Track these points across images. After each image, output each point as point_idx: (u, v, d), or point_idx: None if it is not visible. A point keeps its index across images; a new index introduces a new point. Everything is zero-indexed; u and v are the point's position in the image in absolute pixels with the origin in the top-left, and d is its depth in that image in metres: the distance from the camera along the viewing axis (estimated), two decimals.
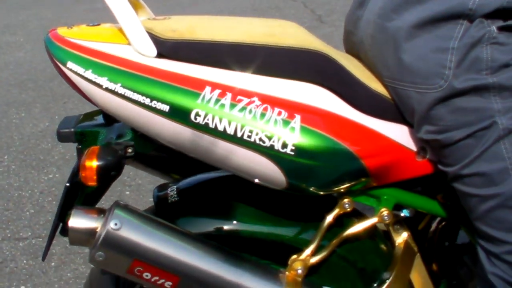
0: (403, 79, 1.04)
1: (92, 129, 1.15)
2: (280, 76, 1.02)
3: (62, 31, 1.07)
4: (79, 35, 1.05)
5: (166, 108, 0.99)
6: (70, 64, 1.02)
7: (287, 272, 1.14)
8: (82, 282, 2.16)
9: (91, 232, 1.03)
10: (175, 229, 1.08)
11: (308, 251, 1.14)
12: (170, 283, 1.04)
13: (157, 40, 1.02)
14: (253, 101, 1.00)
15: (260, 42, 1.03)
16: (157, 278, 1.04)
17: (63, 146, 3.14)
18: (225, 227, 1.16)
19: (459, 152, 1.04)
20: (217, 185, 1.22)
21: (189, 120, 0.99)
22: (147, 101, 0.99)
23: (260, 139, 0.99)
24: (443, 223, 1.36)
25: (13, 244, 2.42)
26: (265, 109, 1.00)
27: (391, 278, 1.18)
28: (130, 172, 2.78)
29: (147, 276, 1.03)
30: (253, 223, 1.16)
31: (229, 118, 0.99)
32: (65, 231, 1.13)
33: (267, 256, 1.19)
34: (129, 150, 1.10)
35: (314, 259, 1.14)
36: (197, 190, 1.22)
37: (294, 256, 1.14)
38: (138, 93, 1.00)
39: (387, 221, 1.16)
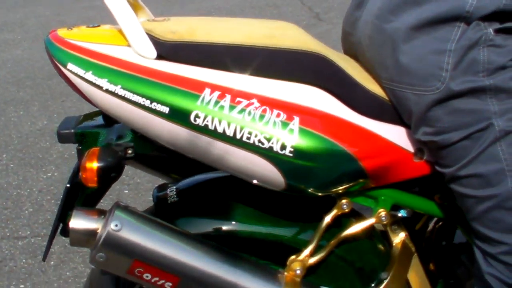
0: (400, 80, 1.05)
1: (92, 130, 1.15)
2: (279, 78, 1.03)
3: (62, 32, 1.08)
4: (79, 36, 1.06)
5: (166, 109, 1.00)
6: (70, 66, 1.03)
7: (285, 273, 1.14)
8: (81, 281, 2.17)
9: (92, 233, 1.04)
10: (175, 230, 1.09)
11: (306, 251, 1.14)
12: (170, 284, 1.05)
13: (156, 42, 1.02)
14: (252, 103, 1.01)
15: (259, 44, 1.04)
16: (157, 278, 1.04)
17: (61, 144, 3.11)
18: (225, 228, 1.17)
19: (456, 154, 1.05)
20: (217, 186, 1.22)
21: (189, 121, 1.00)
22: (147, 102, 1.00)
23: (259, 141, 1.00)
24: (440, 223, 1.37)
25: (12, 243, 2.43)
26: (264, 111, 1.00)
27: (388, 277, 1.19)
28: (128, 171, 2.79)
29: (147, 276, 1.04)
30: (252, 224, 1.17)
31: (228, 119, 1.00)
32: (66, 231, 1.15)
33: (266, 256, 1.20)
34: (129, 151, 1.11)
35: (312, 260, 1.15)
36: (196, 190, 1.23)
37: (293, 257, 1.15)
38: (138, 94, 1.00)
39: (385, 222, 1.16)
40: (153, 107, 1.00)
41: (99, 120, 1.18)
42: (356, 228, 1.17)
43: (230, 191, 1.20)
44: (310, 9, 5.33)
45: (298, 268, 1.14)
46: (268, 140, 1.00)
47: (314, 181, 1.05)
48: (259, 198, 1.17)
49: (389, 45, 1.05)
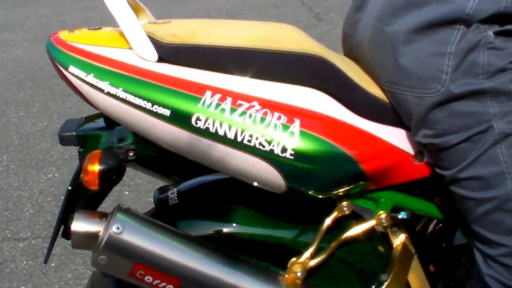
0: (401, 83, 1.05)
1: (93, 132, 1.16)
2: (280, 81, 1.03)
3: (63, 35, 1.08)
4: (81, 39, 1.06)
5: (167, 112, 1.00)
6: (72, 69, 1.03)
7: (286, 275, 1.15)
8: (82, 283, 2.17)
9: (94, 236, 1.04)
10: (177, 233, 1.09)
11: (307, 253, 1.15)
12: (172, 286, 1.06)
13: (158, 45, 1.03)
14: (253, 106, 1.01)
15: (260, 47, 1.04)
16: (158, 281, 1.05)
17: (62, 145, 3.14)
18: (225, 230, 1.17)
19: (456, 156, 1.05)
20: (217, 188, 1.23)
21: (190, 124, 1.00)
22: (148, 105, 1.01)
23: (260, 144, 1.01)
24: (440, 225, 1.38)
25: (13, 245, 2.43)
26: (265, 113, 1.01)
27: (389, 279, 1.20)
28: (129, 173, 2.78)
29: (148, 279, 1.04)
30: (253, 226, 1.18)
31: (229, 122, 1.00)
32: (67, 234, 1.15)
33: (266, 258, 1.21)
34: (131, 154, 1.12)
35: (313, 262, 1.15)
36: (197, 192, 1.23)
37: (294, 259, 1.15)
38: (140, 97, 1.01)
39: (385, 224, 1.17)
40: (154, 110, 1.00)
41: (101, 122, 1.19)
42: (356, 230, 1.17)
43: (231, 193, 1.20)
44: (310, 9, 5.34)
45: (298, 270, 1.14)
46: (269, 142, 1.01)
47: (314, 183, 1.05)
48: (260, 200, 1.18)
49: (389, 48, 1.05)
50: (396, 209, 1.19)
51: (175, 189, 1.23)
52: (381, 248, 1.23)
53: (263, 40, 1.06)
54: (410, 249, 1.23)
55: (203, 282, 1.07)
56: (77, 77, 1.03)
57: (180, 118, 1.00)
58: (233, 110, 1.00)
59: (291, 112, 1.01)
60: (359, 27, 1.15)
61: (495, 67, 1.01)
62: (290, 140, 1.01)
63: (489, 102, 1.02)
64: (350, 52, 1.21)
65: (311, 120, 1.02)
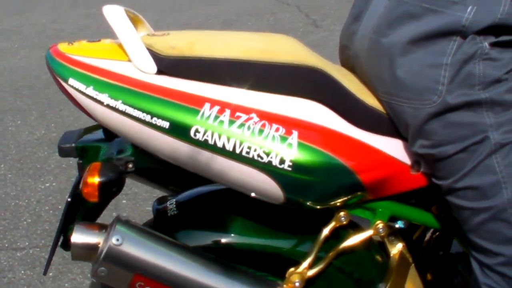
0: (397, 94, 1.06)
1: (93, 144, 1.16)
2: (278, 92, 1.04)
3: (63, 47, 1.09)
4: (80, 51, 1.07)
5: (166, 124, 1.01)
6: (71, 81, 1.04)
7: (284, 285, 1.16)
8: None
9: (93, 248, 1.05)
10: (176, 244, 1.10)
11: (305, 263, 1.15)
12: None
13: (157, 57, 1.04)
14: (251, 118, 1.02)
15: (258, 59, 1.05)
16: None
17: None
18: (224, 240, 1.18)
19: (452, 166, 1.06)
20: (216, 199, 1.23)
21: (189, 136, 1.01)
22: (147, 117, 1.02)
23: (258, 155, 1.02)
24: (437, 233, 1.38)
25: (10, 254, 2.42)
26: (263, 125, 1.02)
27: None
28: (126, 181, 2.77)
29: None
30: (251, 236, 1.18)
31: (228, 134, 1.01)
32: (66, 245, 1.16)
33: (264, 268, 1.21)
34: (130, 166, 1.12)
35: (311, 272, 1.16)
36: (196, 203, 1.24)
37: (292, 269, 1.16)
38: (139, 109, 1.02)
39: (382, 234, 1.18)
40: (154, 122, 1.01)
41: (100, 134, 1.19)
42: (354, 240, 1.18)
43: (229, 204, 1.21)
44: (307, 16, 5.35)
45: (297, 280, 1.15)
46: (267, 154, 1.02)
47: (312, 194, 1.06)
48: (258, 211, 1.18)
49: (386, 59, 1.06)
50: (393, 218, 1.20)
51: (174, 200, 1.24)
52: (378, 257, 1.24)
53: (261, 52, 1.07)
54: (407, 257, 1.24)
55: None
56: (77, 89, 1.04)
57: (179, 130, 1.01)
58: (231, 122, 1.01)
59: (289, 123, 1.02)
60: (356, 39, 1.16)
61: (491, 78, 1.02)
62: (288, 151, 1.02)
63: (485, 112, 1.03)
64: (347, 62, 1.22)
65: (309, 132, 1.03)
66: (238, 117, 1.01)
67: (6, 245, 2.49)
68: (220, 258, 1.13)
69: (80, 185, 1.10)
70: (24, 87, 4.24)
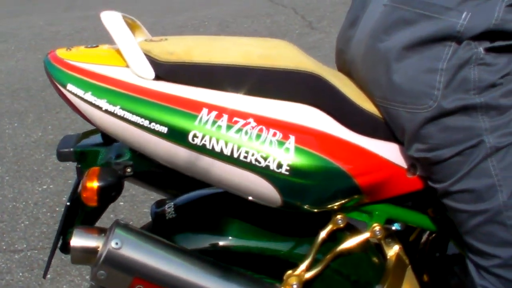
0: (393, 99, 1.07)
1: (91, 148, 1.17)
2: (275, 97, 1.05)
3: (61, 52, 1.10)
4: (78, 57, 1.08)
5: (164, 129, 1.02)
6: (70, 87, 1.05)
7: (282, 287, 1.16)
8: None
9: (93, 251, 1.06)
10: (174, 247, 1.11)
11: (303, 266, 1.16)
12: None
13: (154, 63, 1.05)
14: (249, 123, 1.03)
15: (255, 64, 1.06)
16: None
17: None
18: (222, 243, 1.19)
19: (448, 170, 1.07)
20: (214, 202, 1.24)
21: (187, 141, 1.02)
22: (145, 123, 1.02)
23: (256, 160, 1.03)
24: (434, 235, 1.39)
25: (8, 257, 2.43)
26: (261, 130, 1.03)
27: None
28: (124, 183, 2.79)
29: None
30: (249, 239, 1.19)
31: (225, 139, 1.02)
32: (66, 248, 1.17)
33: (262, 271, 1.22)
34: (128, 170, 1.13)
35: (309, 274, 1.17)
36: (194, 206, 1.25)
37: (289, 271, 1.17)
38: (137, 115, 1.02)
39: (379, 236, 1.19)
40: (152, 127, 1.02)
41: (98, 138, 1.20)
42: (351, 242, 1.19)
43: (227, 207, 1.22)
44: (303, 18, 5.36)
45: (295, 283, 1.16)
46: (265, 158, 1.03)
47: (310, 198, 1.07)
48: (256, 214, 1.19)
49: (382, 64, 1.07)
50: (389, 221, 1.21)
51: (172, 203, 1.25)
52: (375, 259, 1.25)
53: (258, 58, 1.08)
54: (404, 259, 1.25)
55: None
56: (75, 94, 1.05)
57: (177, 135, 1.02)
58: (229, 127, 1.02)
59: (286, 128, 1.03)
60: (352, 44, 1.17)
61: (486, 82, 1.03)
62: (285, 156, 1.03)
63: (480, 117, 1.04)
64: (344, 67, 1.23)
65: (306, 136, 1.04)
66: (236, 122, 1.02)
67: (4, 248, 2.49)
68: (218, 261, 1.14)
69: (79, 190, 1.10)
70: (21, 90, 4.25)
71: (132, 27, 1.13)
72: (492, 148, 1.05)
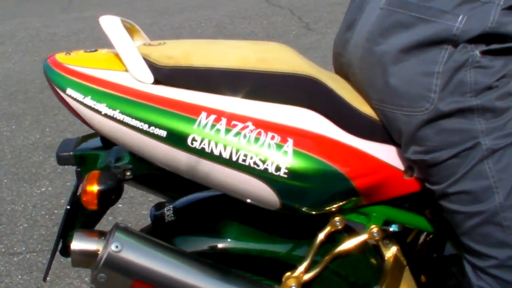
0: (390, 102, 1.08)
1: (91, 152, 1.18)
2: (273, 101, 1.06)
3: (60, 57, 1.11)
4: (78, 61, 1.09)
5: (163, 133, 1.03)
6: (69, 91, 1.06)
7: None
8: None
9: (93, 255, 1.06)
10: (174, 250, 1.12)
11: (301, 267, 1.17)
12: None
13: (153, 67, 1.05)
14: (247, 126, 1.04)
15: (253, 68, 1.07)
16: None
17: (54, 158, 3.14)
18: (221, 245, 1.19)
19: (445, 171, 1.08)
20: (212, 204, 1.25)
21: (186, 145, 1.03)
22: (145, 126, 1.03)
23: (255, 163, 1.03)
24: (431, 236, 1.40)
25: (7, 259, 2.43)
26: (259, 133, 1.04)
27: None
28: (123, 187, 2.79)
29: None
30: (248, 241, 1.20)
31: (224, 142, 1.03)
32: (66, 251, 1.17)
33: (261, 273, 1.23)
34: (128, 173, 1.14)
35: (307, 276, 1.17)
36: (193, 209, 1.25)
37: (288, 273, 1.17)
38: (136, 119, 1.03)
39: (377, 238, 1.19)
40: (151, 131, 1.03)
41: (97, 142, 1.20)
42: (349, 244, 1.20)
43: (225, 210, 1.22)
44: (300, 19, 5.37)
45: (293, 284, 1.17)
46: (263, 162, 1.03)
47: (308, 200, 1.08)
48: (254, 216, 1.20)
49: (379, 67, 1.08)
50: (387, 222, 1.22)
51: (171, 206, 1.25)
52: (373, 261, 1.26)
53: (256, 61, 1.09)
54: (401, 260, 1.25)
55: None
56: (75, 99, 1.05)
57: (176, 139, 1.03)
58: (228, 131, 1.03)
59: (284, 131, 1.04)
60: (349, 47, 1.18)
61: (482, 85, 1.04)
62: (283, 159, 1.03)
63: (476, 119, 1.05)
64: (341, 70, 1.24)
65: (304, 139, 1.05)
66: (234, 125, 1.03)
67: (3, 250, 2.49)
68: (217, 263, 1.15)
69: (79, 193, 1.11)
70: (18, 92, 4.25)
71: (131, 31, 1.14)
72: (488, 150, 1.06)
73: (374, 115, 1.12)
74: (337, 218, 1.17)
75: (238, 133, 1.03)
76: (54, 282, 2.26)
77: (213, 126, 1.03)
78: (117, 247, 1.05)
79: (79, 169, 1.18)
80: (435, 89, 1.04)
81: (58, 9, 6.52)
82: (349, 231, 1.22)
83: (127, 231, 1.09)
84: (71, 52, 1.13)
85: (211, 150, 1.03)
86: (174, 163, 1.06)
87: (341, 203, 1.11)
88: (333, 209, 1.13)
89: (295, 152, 1.04)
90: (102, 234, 1.09)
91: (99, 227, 1.19)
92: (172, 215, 1.23)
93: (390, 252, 1.24)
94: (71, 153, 1.17)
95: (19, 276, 2.33)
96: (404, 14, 1.06)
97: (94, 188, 1.07)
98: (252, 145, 1.03)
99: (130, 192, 2.76)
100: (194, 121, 1.03)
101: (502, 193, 1.07)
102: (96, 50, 1.14)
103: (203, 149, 1.03)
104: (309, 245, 1.18)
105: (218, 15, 5.70)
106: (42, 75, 1.10)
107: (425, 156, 1.08)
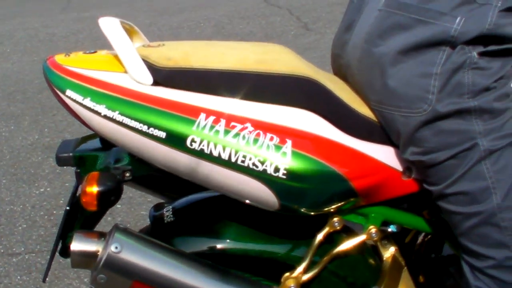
0: (388, 103, 1.08)
1: (90, 153, 1.18)
2: (272, 102, 1.06)
3: (60, 58, 1.11)
4: (77, 63, 1.09)
5: (162, 134, 1.03)
6: (69, 92, 1.06)
7: None
8: None
9: (93, 256, 1.07)
10: (173, 251, 1.12)
11: (300, 268, 1.18)
12: None
13: (153, 68, 1.06)
14: (246, 127, 1.04)
15: (252, 70, 1.07)
16: None
17: (53, 159, 3.14)
18: (220, 246, 1.20)
19: (443, 172, 1.09)
20: (211, 205, 1.25)
21: (185, 146, 1.03)
22: (144, 128, 1.04)
23: (253, 164, 1.04)
24: (429, 236, 1.41)
25: (6, 260, 2.43)
26: (258, 134, 1.04)
27: None
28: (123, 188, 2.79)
29: None
30: (247, 242, 1.20)
31: (223, 144, 1.03)
32: (65, 252, 1.18)
33: (260, 273, 1.23)
34: (127, 175, 1.14)
35: (306, 276, 1.18)
36: (192, 210, 1.26)
37: (287, 274, 1.18)
38: (136, 120, 1.04)
39: (375, 238, 1.20)
40: (150, 132, 1.03)
41: (97, 143, 1.21)
42: (347, 244, 1.20)
43: (224, 210, 1.23)
44: (298, 19, 5.37)
45: (292, 285, 1.17)
46: (262, 163, 1.04)
47: (306, 201, 1.08)
48: (253, 217, 1.20)
49: (377, 69, 1.08)
50: (385, 223, 1.22)
51: (170, 207, 1.26)
52: (372, 261, 1.26)
53: (254, 63, 1.09)
54: (400, 261, 1.26)
55: None
56: (74, 100, 1.06)
57: (176, 140, 1.03)
58: (227, 132, 1.03)
59: (283, 132, 1.05)
60: (348, 48, 1.19)
61: (480, 86, 1.05)
62: (282, 160, 1.04)
63: (474, 120, 1.06)
64: (339, 71, 1.24)
65: (302, 141, 1.05)
66: (233, 126, 1.04)
67: (2, 251, 2.49)
68: (216, 264, 1.15)
69: (78, 194, 1.12)
70: (17, 92, 4.25)
71: (130, 32, 1.14)
72: (486, 151, 1.06)
73: (372, 116, 1.12)
74: (335, 219, 1.17)
75: (237, 134, 1.03)
76: (53, 283, 2.26)
77: (212, 127, 1.03)
78: (116, 248, 1.05)
79: (78, 170, 1.18)
80: (433, 90, 1.04)
81: (57, 10, 6.52)
82: (347, 231, 1.22)
83: (126, 232, 1.10)
84: (71, 54, 1.13)
85: (210, 151, 1.03)
86: (173, 164, 1.06)
87: (339, 204, 1.12)
88: (332, 210, 1.13)
89: (293, 153, 1.04)
90: (101, 235, 1.09)
91: (98, 228, 1.20)
92: (171, 216, 1.24)
93: (389, 252, 1.25)
94: (71, 154, 1.17)
95: (18, 277, 2.33)
96: (403, 15, 1.06)
97: (94, 189, 1.07)
98: (251, 146, 1.04)
99: (129, 192, 2.76)
100: (193, 122, 1.03)
101: (500, 194, 1.07)
102: (95, 52, 1.15)
103: (202, 150, 1.03)
104: (308, 245, 1.18)
105: (217, 15, 5.70)
106: (41, 75, 1.11)
107: (423, 157, 1.09)
